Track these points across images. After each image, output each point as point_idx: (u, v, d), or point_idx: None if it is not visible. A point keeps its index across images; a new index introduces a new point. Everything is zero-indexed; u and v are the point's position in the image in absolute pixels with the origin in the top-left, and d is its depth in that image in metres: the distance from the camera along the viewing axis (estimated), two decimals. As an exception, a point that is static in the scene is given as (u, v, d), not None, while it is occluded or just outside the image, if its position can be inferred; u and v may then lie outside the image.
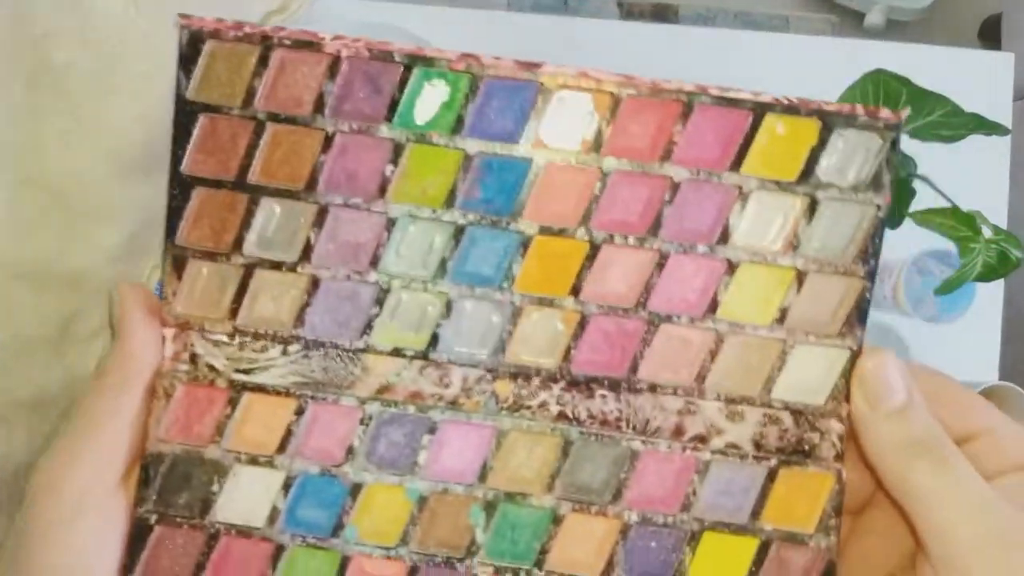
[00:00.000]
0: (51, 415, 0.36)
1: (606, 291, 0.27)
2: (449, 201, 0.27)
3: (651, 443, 0.28)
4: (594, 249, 0.27)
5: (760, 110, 0.27)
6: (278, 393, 0.28)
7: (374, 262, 0.27)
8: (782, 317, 0.27)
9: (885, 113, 0.27)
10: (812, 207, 0.27)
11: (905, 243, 0.78)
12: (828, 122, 0.27)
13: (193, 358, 0.28)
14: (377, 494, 0.28)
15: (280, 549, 0.28)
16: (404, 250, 0.27)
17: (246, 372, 0.28)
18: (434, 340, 0.28)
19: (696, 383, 0.28)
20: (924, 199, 0.50)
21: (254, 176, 0.27)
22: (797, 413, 0.28)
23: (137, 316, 0.28)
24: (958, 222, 0.48)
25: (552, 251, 0.27)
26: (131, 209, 0.35)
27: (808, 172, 0.27)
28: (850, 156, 0.27)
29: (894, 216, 0.47)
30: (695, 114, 0.27)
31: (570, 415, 0.28)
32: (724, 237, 0.27)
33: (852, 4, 1.18)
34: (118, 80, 0.32)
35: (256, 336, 0.28)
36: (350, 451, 0.28)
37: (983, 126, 0.50)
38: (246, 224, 0.27)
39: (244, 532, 0.28)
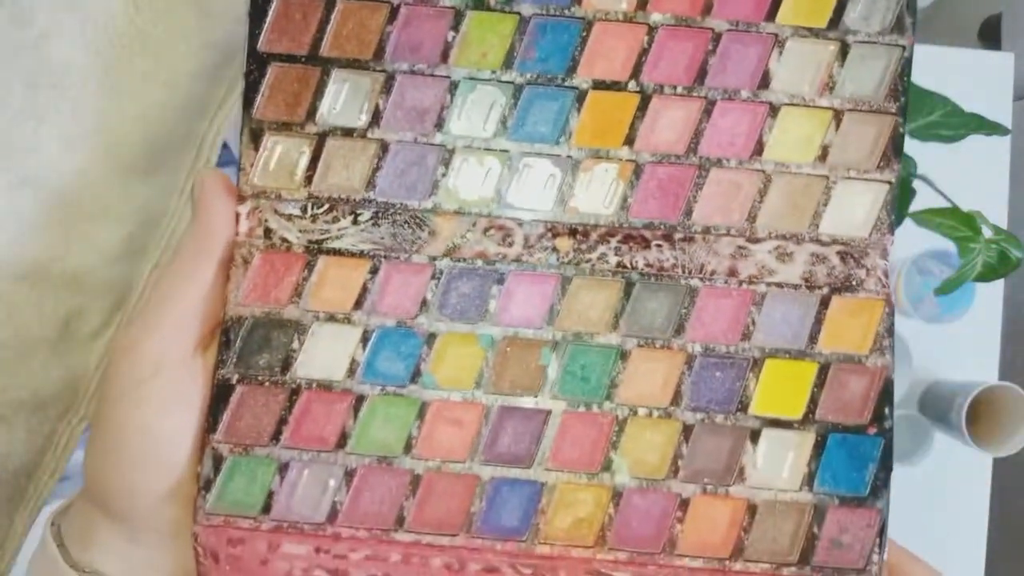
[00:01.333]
0: (51, 415, 0.35)
1: (658, 140, 0.29)
2: (507, 63, 0.29)
3: (708, 280, 0.29)
4: (645, 100, 0.29)
5: (789, -36, 0.29)
6: (352, 255, 0.29)
7: (439, 125, 0.29)
8: (824, 155, 0.29)
9: (901, -35, 0.29)
10: (843, 51, 0.29)
11: (905, 243, 0.78)
12: (851, -27, 0.29)
13: (267, 232, 0.30)
14: (451, 342, 0.29)
15: (360, 400, 0.29)
16: (466, 112, 0.29)
17: (319, 243, 0.30)
18: (497, 198, 0.29)
19: (748, 223, 0.29)
20: (924, 199, 0.50)
21: (325, 50, 0.29)
22: (844, 252, 0.29)
23: (214, 194, 0.29)
24: (958, 222, 0.48)
25: (605, 105, 0.29)
26: (131, 209, 0.35)
27: (836, 20, 0.29)
28: (873, 5, 0.29)
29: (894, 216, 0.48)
30: (730, -30, 0.29)
31: (628, 264, 0.29)
32: (765, 83, 0.29)
33: (853, 4, 1.18)
34: (118, 80, 0.32)
35: (329, 206, 0.30)
36: (424, 304, 0.29)
37: (983, 126, 0.50)
38: (318, 95, 0.29)
39: (325, 386, 0.29)
